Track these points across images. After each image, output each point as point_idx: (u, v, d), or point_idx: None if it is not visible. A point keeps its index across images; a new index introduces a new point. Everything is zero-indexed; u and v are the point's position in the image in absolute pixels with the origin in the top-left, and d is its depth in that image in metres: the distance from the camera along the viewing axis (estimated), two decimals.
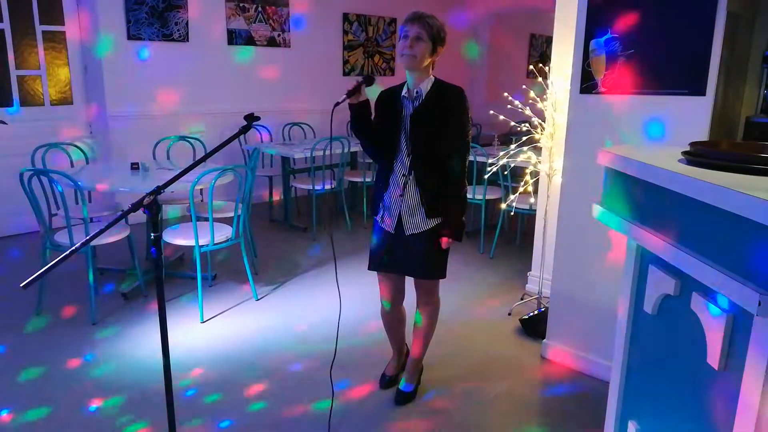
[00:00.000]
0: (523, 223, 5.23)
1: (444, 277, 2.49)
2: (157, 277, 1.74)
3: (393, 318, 2.64)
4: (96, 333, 3.20)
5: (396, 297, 2.58)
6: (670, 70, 2.36)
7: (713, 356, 1.26)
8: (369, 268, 2.53)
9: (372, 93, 2.33)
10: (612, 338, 1.80)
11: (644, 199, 1.50)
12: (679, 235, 1.33)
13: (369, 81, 2.32)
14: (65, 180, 3.24)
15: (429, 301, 2.56)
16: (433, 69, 2.33)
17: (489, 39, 8.66)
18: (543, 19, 7.23)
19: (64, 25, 5.01)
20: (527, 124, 3.43)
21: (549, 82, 3.32)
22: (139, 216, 2.00)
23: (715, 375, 1.27)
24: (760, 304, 1.05)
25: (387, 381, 2.73)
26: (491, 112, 3.84)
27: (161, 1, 5.29)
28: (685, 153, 1.50)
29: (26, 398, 2.58)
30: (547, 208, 3.45)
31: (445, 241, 2.37)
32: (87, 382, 2.72)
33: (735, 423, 1.19)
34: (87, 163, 4.44)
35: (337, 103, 2.20)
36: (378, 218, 2.47)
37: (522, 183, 3.58)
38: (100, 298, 3.55)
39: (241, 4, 5.92)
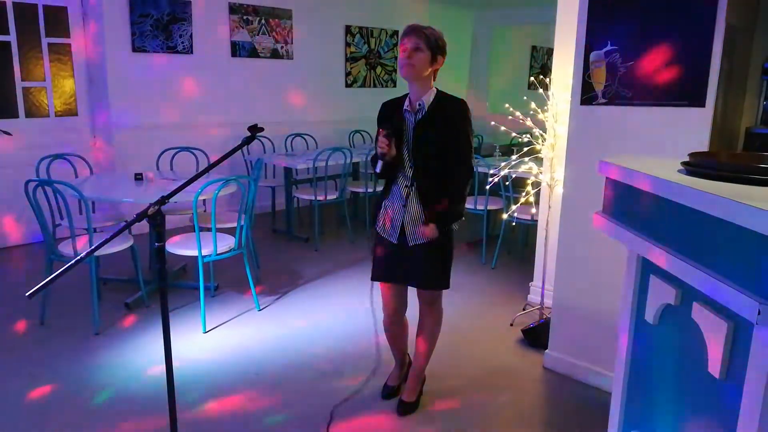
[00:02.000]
0: (525, 234, 5.23)
1: (447, 287, 2.49)
2: (160, 287, 1.75)
3: (395, 328, 2.65)
4: (98, 343, 3.21)
5: (399, 307, 2.59)
6: (670, 81, 2.38)
7: (714, 365, 1.26)
8: (372, 278, 2.54)
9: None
10: (614, 348, 1.80)
11: (644, 209, 1.51)
12: (680, 245, 1.34)
13: (396, 134, 2.33)
14: (70, 190, 3.26)
15: (431, 311, 2.56)
16: (434, 80, 2.36)
17: (491, 51, 8.73)
18: (544, 31, 7.28)
19: (69, 37, 5.06)
20: (528, 135, 3.45)
21: (550, 93, 3.34)
22: (143, 226, 2.02)
23: (716, 384, 1.27)
24: (759, 313, 1.05)
25: (389, 391, 2.72)
26: (492, 123, 3.86)
27: (166, 14, 5.34)
28: (684, 163, 1.52)
29: (29, 407, 2.58)
30: (549, 218, 3.45)
31: (430, 227, 2.32)
32: (89, 392, 2.72)
33: None
34: (91, 173, 4.46)
35: (377, 172, 2.35)
36: (381, 229, 2.48)
37: (523, 193, 3.59)
38: (103, 309, 3.56)
39: (244, 17, 5.97)
